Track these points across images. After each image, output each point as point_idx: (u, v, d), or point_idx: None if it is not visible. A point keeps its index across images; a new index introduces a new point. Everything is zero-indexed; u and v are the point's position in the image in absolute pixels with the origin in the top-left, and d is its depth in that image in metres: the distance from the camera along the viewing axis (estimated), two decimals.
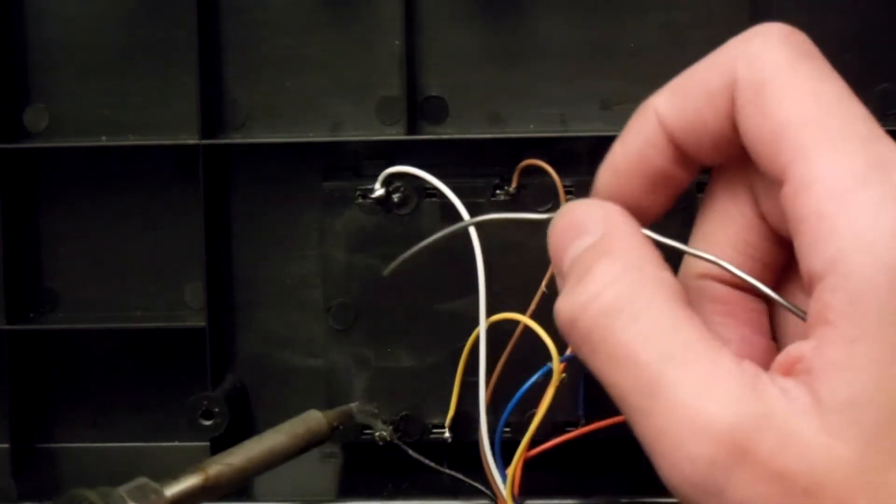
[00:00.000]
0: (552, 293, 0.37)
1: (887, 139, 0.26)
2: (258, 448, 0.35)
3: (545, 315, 0.36)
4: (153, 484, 0.32)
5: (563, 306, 0.27)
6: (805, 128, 0.26)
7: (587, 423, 0.38)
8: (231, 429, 0.41)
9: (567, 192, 0.38)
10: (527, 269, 0.38)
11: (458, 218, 0.38)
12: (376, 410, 0.40)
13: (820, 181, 0.25)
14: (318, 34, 0.42)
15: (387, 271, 0.35)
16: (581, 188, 0.39)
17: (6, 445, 0.42)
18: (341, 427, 0.38)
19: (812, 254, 0.25)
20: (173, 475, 0.33)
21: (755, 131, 0.27)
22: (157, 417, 0.43)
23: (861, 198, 0.25)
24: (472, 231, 0.37)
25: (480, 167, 0.40)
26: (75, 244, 0.43)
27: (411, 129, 0.41)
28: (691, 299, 0.29)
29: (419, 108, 0.42)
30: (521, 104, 0.41)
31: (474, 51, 0.41)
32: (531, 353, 0.37)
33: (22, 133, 0.42)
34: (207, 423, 0.41)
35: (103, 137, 0.42)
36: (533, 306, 0.37)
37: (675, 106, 0.29)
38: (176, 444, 0.43)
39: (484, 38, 0.41)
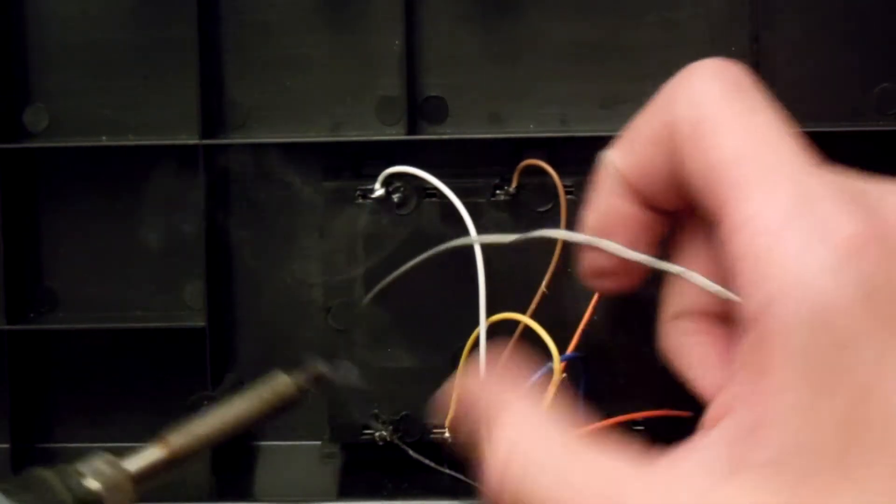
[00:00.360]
0: (552, 293, 0.37)
1: (817, 172, 0.26)
2: (223, 416, 0.34)
3: (545, 315, 0.37)
4: (113, 458, 0.31)
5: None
6: (737, 166, 0.26)
7: (587, 424, 0.38)
8: None
9: (567, 192, 0.38)
10: (526, 269, 0.39)
11: (458, 218, 0.38)
12: (352, 368, 0.40)
13: (751, 221, 0.26)
14: (318, 34, 0.42)
15: (364, 301, 0.36)
16: (581, 188, 0.39)
17: (6, 445, 0.42)
18: (313, 390, 0.37)
19: (746, 298, 0.26)
20: (134, 449, 0.32)
21: (694, 170, 0.27)
22: (157, 417, 0.43)
23: (789, 237, 0.25)
24: (472, 231, 0.37)
25: (480, 167, 0.40)
26: (75, 244, 0.43)
27: (411, 129, 0.41)
28: (672, 342, 0.31)
29: (419, 108, 0.42)
30: (520, 104, 0.41)
31: (474, 50, 0.41)
32: (531, 354, 0.37)
33: (22, 133, 0.42)
34: None
35: (103, 137, 0.42)
36: (533, 306, 0.37)
37: (629, 155, 0.30)
38: None
39: (484, 38, 0.41)
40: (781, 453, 0.24)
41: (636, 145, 0.29)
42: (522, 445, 0.28)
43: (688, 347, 0.31)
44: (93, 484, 0.30)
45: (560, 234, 0.31)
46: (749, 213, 0.26)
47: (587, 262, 0.31)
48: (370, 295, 0.38)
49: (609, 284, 0.31)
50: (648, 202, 0.30)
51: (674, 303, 0.32)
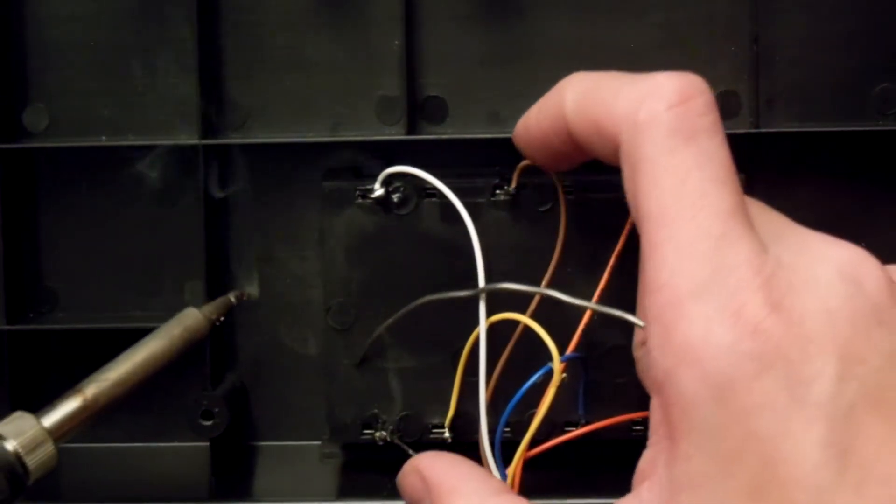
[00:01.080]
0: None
1: (739, 238, 0.26)
2: (135, 357, 0.34)
3: (545, 315, 0.37)
4: (30, 416, 0.31)
5: None
6: (660, 226, 0.27)
7: (587, 424, 0.38)
8: (231, 429, 0.41)
9: (567, 192, 0.38)
10: (526, 269, 0.39)
11: (458, 217, 0.38)
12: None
13: (663, 289, 0.26)
14: (318, 34, 0.42)
15: (360, 359, 0.39)
16: (580, 188, 0.39)
17: None
18: (223, 318, 0.37)
19: (653, 361, 0.26)
20: (51, 403, 0.32)
21: (630, 203, 0.29)
22: (156, 418, 0.43)
23: (695, 311, 0.26)
24: (472, 231, 0.37)
25: (480, 167, 0.40)
26: (75, 244, 0.43)
27: (411, 129, 0.41)
28: (641, 366, 0.32)
29: (419, 108, 0.42)
30: (520, 104, 0.41)
31: (474, 50, 0.41)
32: (531, 354, 0.37)
33: (22, 133, 0.42)
34: (207, 423, 0.41)
35: (103, 137, 0.42)
36: (533, 306, 0.37)
37: (577, 114, 0.31)
38: (176, 444, 0.43)
39: (484, 38, 0.41)
40: None
41: (585, 120, 0.31)
42: None
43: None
44: (12, 445, 0.30)
45: (513, 287, 0.35)
46: (661, 281, 0.26)
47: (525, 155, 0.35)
48: (369, 341, 0.39)
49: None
50: (582, 148, 0.31)
51: (641, 331, 0.33)
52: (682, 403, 0.25)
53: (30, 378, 0.43)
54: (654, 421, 0.27)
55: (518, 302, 0.37)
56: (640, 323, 0.29)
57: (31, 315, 0.43)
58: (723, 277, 0.26)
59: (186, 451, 0.43)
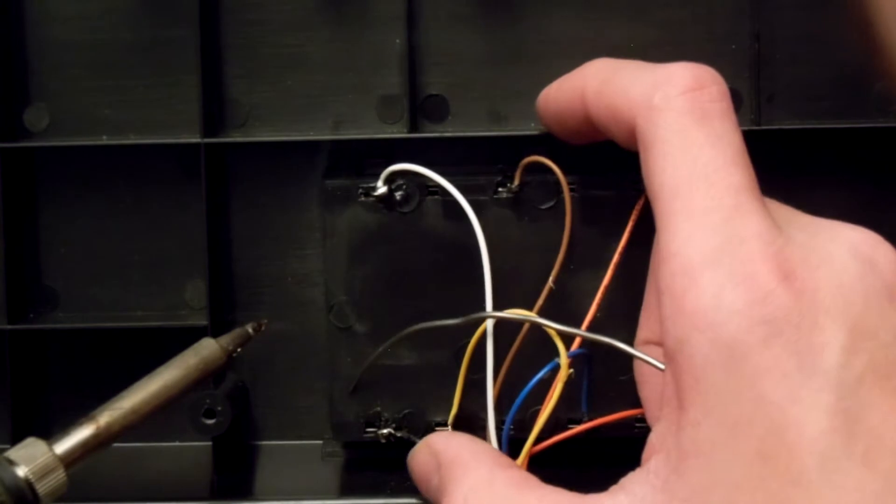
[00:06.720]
0: (559, 289, 0.37)
1: (751, 212, 0.27)
2: (149, 387, 0.34)
3: (548, 312, 0.37)
4: (42, 442, 0.31)
5: None
6: (673, 198, 0.27)
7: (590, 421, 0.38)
8: (233, 428, 0.41)
9: (570, 190, 0.38)
10: (528, 266, 0.39)
11: (461, 214, 0.38)
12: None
13: (675, 258, 0.27)
14: (319, 33, 0.42)
15: (353, 387, 0.39)
16: (582, 185, 0.39)
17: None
18: (240, 350, 0.37)
19: (665, 331, 0.26)
20: (64, 430, 0.32)
21: (645, 182, 0.29)
22: (158, 417, 0.43)
23: (707, 277, 0.26)
24: (478, 228, 0.37)
25: (482, 165, 0.40)
26: (75, 244, 0.43)
27: (413, 128, 0.41)
28: (637, 366, 0.34)
29: (420, 107, 0.42)
30: (521, 102, 0.41)
31: (475, 49, 0.42)
32: (532, 352, 0.37)
33: (22, 132, 0.42)
34: (210, 421, 0.40)
35: (104, 137, 0.42)
36: (540, 302, 0.37)
37: (596, 98, 0.32)
38: (177, 443, 0.43)
39: (485, 37, 0.41)
40: (701, 488, 0.25)
41: (602, 106, 0.31)
42: (476, 494, 0.30)
43: (646, 377, 0.32)
44: (23, 471, 0.30)
45: (501, 315, 0.36)
46: (673, 250, 0.27)
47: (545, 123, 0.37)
48: (357, 378, 0.40)
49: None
50: (597, 129, 0.32)
51: (645, 329, 0.33)
52: (693, 369, 0.25)
53: (30, 378, 0.43)
54: (665, 395, 0.27)
55: (522, 298, 0.37)
56: (645, 357, 0.30)
57: (31, 315, 0.43)
58: (734, 246, 0.26)
59: (189, 450, 0.43)
